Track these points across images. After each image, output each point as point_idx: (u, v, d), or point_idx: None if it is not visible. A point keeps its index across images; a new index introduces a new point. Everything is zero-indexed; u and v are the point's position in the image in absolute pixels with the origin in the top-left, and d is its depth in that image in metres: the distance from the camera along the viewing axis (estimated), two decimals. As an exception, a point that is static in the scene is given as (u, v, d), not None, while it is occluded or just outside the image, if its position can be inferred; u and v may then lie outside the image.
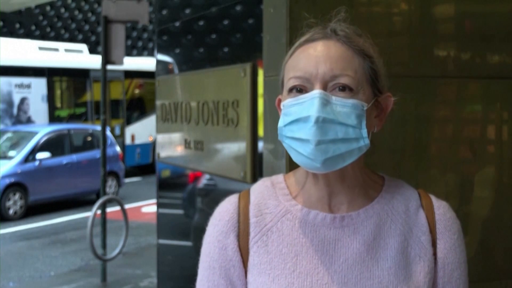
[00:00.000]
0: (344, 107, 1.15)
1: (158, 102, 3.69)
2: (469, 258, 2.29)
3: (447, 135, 2.24)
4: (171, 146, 3.55)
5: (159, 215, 3.87)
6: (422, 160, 2.21)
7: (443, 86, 2.23)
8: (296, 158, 1.18)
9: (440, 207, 1.27)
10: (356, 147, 1.16)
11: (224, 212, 1.28)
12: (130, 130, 17.33)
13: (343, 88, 1.16)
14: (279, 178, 1.32)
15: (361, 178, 1.25)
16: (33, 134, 12.33)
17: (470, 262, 2.24)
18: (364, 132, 1.17)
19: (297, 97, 1.17)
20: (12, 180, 11.48)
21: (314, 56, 1.18)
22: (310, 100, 1.14)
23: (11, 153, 11.95)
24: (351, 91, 1.16)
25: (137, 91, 18.15)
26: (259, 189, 1.30)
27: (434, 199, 1.29)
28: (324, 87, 1.16)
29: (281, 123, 1.19)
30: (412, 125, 2.18)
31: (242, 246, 1.24)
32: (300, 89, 1.18)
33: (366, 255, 1.20)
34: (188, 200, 3.54)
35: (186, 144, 3.23)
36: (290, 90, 1.19)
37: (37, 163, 11.87)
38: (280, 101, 1.24)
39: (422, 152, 2.21)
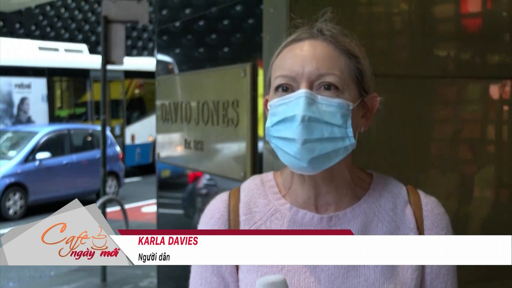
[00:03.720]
0: (330, 106, 1.15)
1: (158, 102, 3.69)
2: (469, 258, 2.29)
3: (447, 135, 2.24)
4: (171, 146, 3.55)
5: (159, 215, 3.87)
6: (422, 160, 2.21)
7: (443, 86, 2.23)
8: (283, 158, 1.19)
9: (428, 203, 1.27)
10: (342, 146, 1.17)
11: (215, 210, 1.29)
12: (130, 130, 17.32)
13: (329, 87, 1.16)
14: (269, 176, 1.33)
15: (349, 177, 1.25)
16: (33, 134, 12.32)
17: (470, 262, 2.25)
18: (350, 131, 1.17)
19: (283, 97, 1.18)
20: (12, 180, 11.47)
21: (301, 55, 1.19)
22: (296, 100, 1.15)
23: (11, 153, 11.94)
24: (336, 90, 1.16)
25: (137, 91, 18.14)
26: (249, 187, 1.31)
27: (422, 195, 1.29)
28: (310, 86, 1.16)
29: (268, 123, 1.20)
30: (412, 125, 2.18)
31: None
32: (286, 88, 1.18)
33: None
34: (188, 200, 3.54)
35: (186, 144, 3.23)
36: (276, 89, 1.20)
37: (37, 163, 11.86)
38: (267, 101, 1.24)
39: (422, 152, 2.21)
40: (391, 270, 1.20)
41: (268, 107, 1.21)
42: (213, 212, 1.28)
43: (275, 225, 1.24)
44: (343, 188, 1.24)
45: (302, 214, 1.23)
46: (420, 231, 1.24)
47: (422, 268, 1.24)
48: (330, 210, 1.24)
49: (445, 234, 1.26)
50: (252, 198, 1.28)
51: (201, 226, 1.30)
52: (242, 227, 1.25)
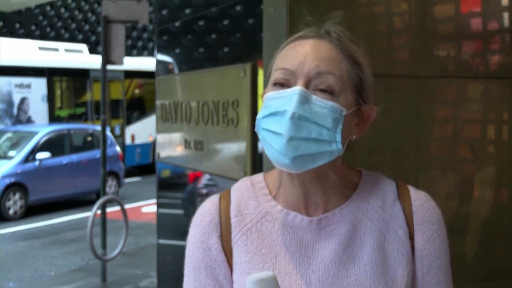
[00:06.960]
0: (323, 108, 1.15)
1: (158, 102, 3.69)
2: (469, 258, 2.29)
3: (447, 135, 2.24)
4: (171, 146, 3.55)
5: (159, 215, 3.87)
6: (422, 160, 2.21)
7: (443, 86, 2.23)
8: (268, 152, 1.18)
9: (417, 198, 1.26)
10: (327, 150, 1.16)
11: (206, 213, 1.29)
12: (130, 130, 17.33)
13: (324, 90, 1.16)
14: (259, 177, 1.33)
15: (336, 178, 1.25)
16: (33, 134, 12.34)
17: (470, 262, 2.25)
18: (338, 136, 1.16)
19: (278, 91, 1.18)
20: (12, 180, 11.48)
21: (303, 52, 1.19)
22: (290, 96, 1.15)
23: (11, 153, 11.95)
24: (331, 95, 1.16)
25: (137, 91, 18.16)
26: (239, 189, 1.31)
27: (412, 190, 1.28)
28: (307, 84, 1.16)
29: (259, 114, 1.20)
30: (412, 125, 2.18)
31: (226, 246, 1.25)
32: (283, 84, 1.19)
33: (343, 254, 1.21)
34: (188, 200, 3.54)
35: (186, 144, 3.23)
36: (274, 84, 1.20)
37: (37, 163, 11.87)
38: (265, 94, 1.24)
39: (422, 152, 2.21)
40: (382, 268, 1.20)
41: (264, 99, 1.21)
42: (204, 215, 1.29)
43: (265, 227, 1.24)
44: (329, 188, 1.24)
45: (293, 216, 1.23)
46: (410, 227, 1.24)
47: (413, 263, 1.23)
48: (319, 210, 1.24)
49: (436, 228, 1.25)
50: (242, 200, 1.28)
51: (192, 229, 1.30)
52: (233, 229, 1.25)
